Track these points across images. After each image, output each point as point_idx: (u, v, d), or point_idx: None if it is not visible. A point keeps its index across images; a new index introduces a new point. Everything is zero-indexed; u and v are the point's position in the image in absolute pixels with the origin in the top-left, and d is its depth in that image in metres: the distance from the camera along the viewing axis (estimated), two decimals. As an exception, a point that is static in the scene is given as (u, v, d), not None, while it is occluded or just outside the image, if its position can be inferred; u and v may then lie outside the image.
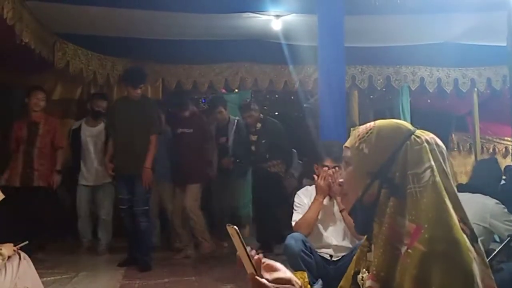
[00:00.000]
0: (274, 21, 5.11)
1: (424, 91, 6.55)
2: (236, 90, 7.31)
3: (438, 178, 1.13)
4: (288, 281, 1.14)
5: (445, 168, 1.16)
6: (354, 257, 1.34)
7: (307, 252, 3.21)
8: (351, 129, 1.33)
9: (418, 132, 1.22)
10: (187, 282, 4.40)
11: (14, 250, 3.16)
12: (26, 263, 3.22)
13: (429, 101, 7.21)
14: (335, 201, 3.35)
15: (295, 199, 3.45)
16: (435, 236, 1.06)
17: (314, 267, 3.17)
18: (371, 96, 7.49)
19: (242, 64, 6.23)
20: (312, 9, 4.42)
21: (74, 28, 5.35)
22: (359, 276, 1.26)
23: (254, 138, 5.83)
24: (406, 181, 1.15)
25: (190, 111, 5.60)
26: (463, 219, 1.14)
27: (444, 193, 1.12)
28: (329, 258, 3.30)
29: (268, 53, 5.95)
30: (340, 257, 3.27)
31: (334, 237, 3.31)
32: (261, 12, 4.95)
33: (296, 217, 3.34)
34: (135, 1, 4.72)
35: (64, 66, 5.49)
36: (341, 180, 1.34)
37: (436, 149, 1.19)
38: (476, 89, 6.68)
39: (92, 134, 5.69)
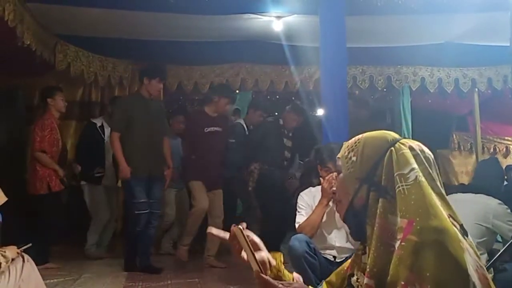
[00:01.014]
0: (275, 22, 5.12)
1: (425, 91, 6.56)
2: (237, 91, 7.30)
3: (423, 179, 1.19)
4: (263, 262, 1.25)
5: (430, 172, 1.23)
6: (350, 259, 1.40)
7: (311, 253, 3.20)
8: (344, 142, 1.40)
9: (403, 140, 1.29)
10: (191, 283, 4.40)
11: (17, 253, 3.17)
12: (30, 265, 3.22)
13: (430, 101, 7.21)
14: None
15: (298, 201, 3.43)
16: (426, 227, 1.11)
17: (318, 268, 3.17)
18: (372, 97, 7.50)
19: (243, 65, 6.25)
20: (313, 10, 4.43)
21: (75, 30, 5.35)
22: (354, 278, 1.32)
23: (289, 143, 5.71)
24: (393, 181, 1.21)
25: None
26: (452, 216, 1.18)
27: (431, 191, 1.18)
28: (332, 259, 3.29)
29: (269, 54, 5.96)
30: (343, 258, 3.25)
31: (338, 239, 3.30)
32: (262, 13, 4.96)
33: (299, 219, 3.33)
34: (136, 3, 4.72)
35: (65, 68, 5.49)
36: (334, 188, 1.41)
37: (420, 154, 1.25)
38: (476, 89, 6.68)
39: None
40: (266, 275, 1.23)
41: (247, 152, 5.67)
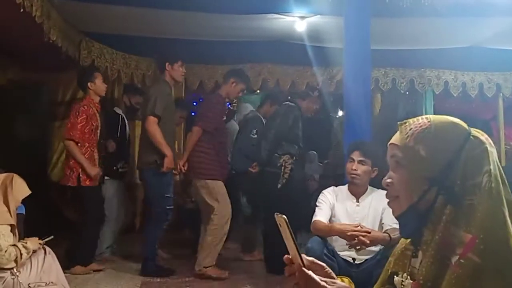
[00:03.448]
0: (299, 22, 5.10)
1: (448, 95, 6.49)
2: (258, 91, 7.32)
3: (494, 184, 1.07)
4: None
5: (501, 172, 1.11)
6: (391, 258, 1.27)
7: (329, 255, 3.18)
8: (398, 123, 1.21)
9: (473, 131, 1.16)
10: (207, 281, 4.41)
11: (39, 244, 3.22)
12: (51, 257, 3.28)
13: (453, 105, 7.11)
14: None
15: (320, 197, 3.38)
16: (491, 248, 1.01)
17: (336, 271, 3.13)
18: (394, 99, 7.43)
19: (264, 65, 6.25)
20: (337, 11, 4.40)
21: (100, 27, 5.41)
22: (398, 279, 1.19)
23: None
24: (465, 191, 1.08)
25: None
26: None
27: (501, 199, 1.06)
28: (352, 261, 3.27)
29: (291, 55, 5.96)
30: (363, 260, 3.23)
31: (358, 240, 3.27)
32: (285, 14, 4.95)
33: (318, 213, 3.28)
34: (160, 1, 4.75)
35: (89, 64, 5.54)
36: (388, 180, 1.21)
37: (492, 150, 1.13)
38: (501, 94, 6.59)
39: (130, 128, 5.54)
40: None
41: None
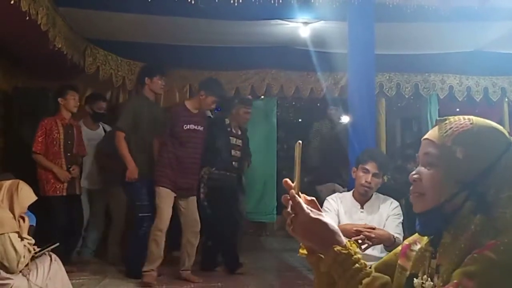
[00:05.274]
0: (302, 28, 5.10)
1: (453, 99, 6.47)
2: (262, 96, 7.31)
3: None
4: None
5: None
6: (404, 254, 1.24)
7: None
8: (437, 119, 1.15)
9: None
10: (211, 282, 4.48)
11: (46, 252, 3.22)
12: (57, 264, 3.29)
13: (458, 109, 7.10)
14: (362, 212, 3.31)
15: (324, 204, 3.35)
16: (510, 248, 0.97)
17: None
18: (399, 104, 7.43)
19: (268, 70, 6.23)
20: (341, 16, 4.40)
21: (105, 34, 5.44)
22: (418, 281, 1.15)
23: (238, 142, 5.35)
24: (499, 202, 1.03)
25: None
26: None
27: None
28: (357, 267, 3.23)
29: (294, 60, 5.95)
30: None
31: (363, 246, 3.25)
32: (289, 19, 4.95)
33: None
34: (165, 8, 4.77)
35: (94, 71, 5.57)
36: (416, 176, 1.15)
37: None
38: (506, 98, 6.57)
39: (93, 137, 5.51)
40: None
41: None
